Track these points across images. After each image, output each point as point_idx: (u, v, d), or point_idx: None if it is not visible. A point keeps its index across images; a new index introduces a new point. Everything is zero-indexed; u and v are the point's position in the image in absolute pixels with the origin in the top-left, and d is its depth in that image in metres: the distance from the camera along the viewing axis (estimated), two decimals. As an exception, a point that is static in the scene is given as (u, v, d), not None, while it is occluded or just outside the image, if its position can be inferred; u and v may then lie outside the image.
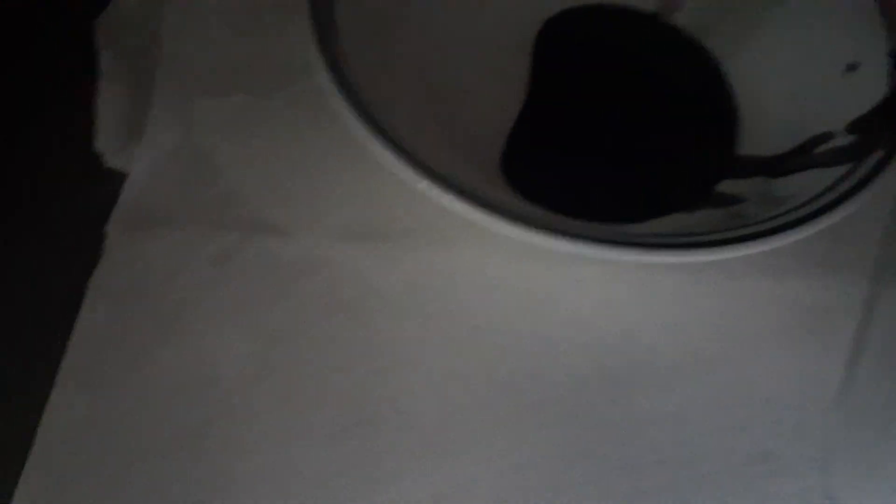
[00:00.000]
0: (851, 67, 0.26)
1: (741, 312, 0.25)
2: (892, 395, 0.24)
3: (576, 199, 0.27)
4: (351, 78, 0.24)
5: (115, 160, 0.27)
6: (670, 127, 0.29)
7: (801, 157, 0.26)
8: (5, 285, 0.25)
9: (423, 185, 0.22)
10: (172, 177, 0.27)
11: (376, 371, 0.24)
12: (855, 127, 0.25)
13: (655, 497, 0.22)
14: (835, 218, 0.22)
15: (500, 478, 0.23)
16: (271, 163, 0.28)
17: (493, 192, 0.25)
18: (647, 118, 0.29)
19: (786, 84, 0.28)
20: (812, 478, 0.23)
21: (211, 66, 0.29)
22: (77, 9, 0.30)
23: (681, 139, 0.29)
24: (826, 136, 0.26)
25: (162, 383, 0.23)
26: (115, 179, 0.27)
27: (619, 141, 0.29)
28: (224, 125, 0.28)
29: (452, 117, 0.28)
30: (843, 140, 0.25)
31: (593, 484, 0.23)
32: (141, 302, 0.25)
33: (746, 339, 0.25)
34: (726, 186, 0.27)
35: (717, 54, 0.30)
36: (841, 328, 0.25)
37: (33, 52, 0.30)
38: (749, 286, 0.26)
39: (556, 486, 0.23)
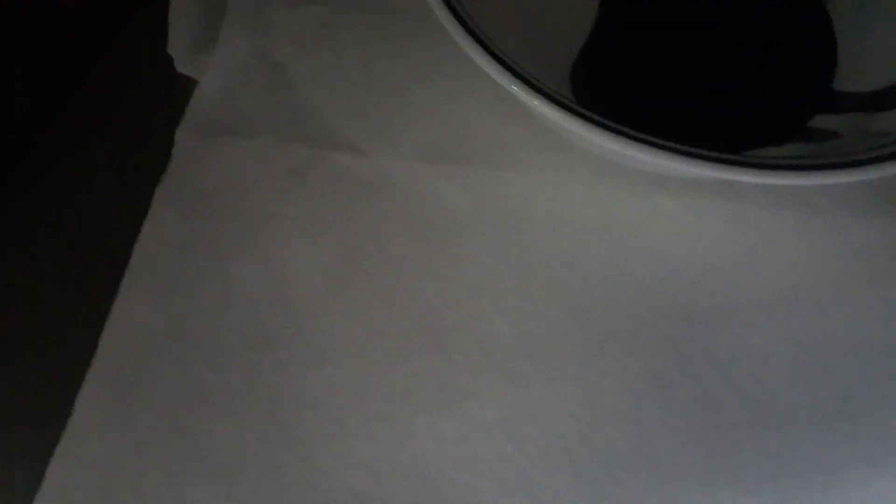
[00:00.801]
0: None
1: (828, 251, 0.24)
2: None
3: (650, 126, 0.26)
4: None
5: (186, 66, 0.27)
6: (762, 55, 0.28)
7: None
8: (72, 188, 0.25)
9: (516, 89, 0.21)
10: (245, 86, 0.27)
11: (448, 292, 0.24)
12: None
13: (733, 432, 0.22)
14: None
15: (571, 405, 0.22)
16: (348, 77, 0.27)
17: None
18: (736, 44, 0.28)
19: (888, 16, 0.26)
20: (892, 422, 0.22)
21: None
22: None
23: (773, 68, 0.27)
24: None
25: (232, 294, 0.23)
26: (187, 85, 0.26)
27: (702, 66, 0.28)
28: (300, 35, 0.28)
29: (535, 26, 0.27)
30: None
31: (666, 417, 0.22)
32: (209, 212, 0.24)
33: (832, 279, 0.24)
34: (821, 122, 0.26)
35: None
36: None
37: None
38: (836, 223, 0.25)
39: (629, 417, 0.22)
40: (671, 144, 0.20)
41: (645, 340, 0.23)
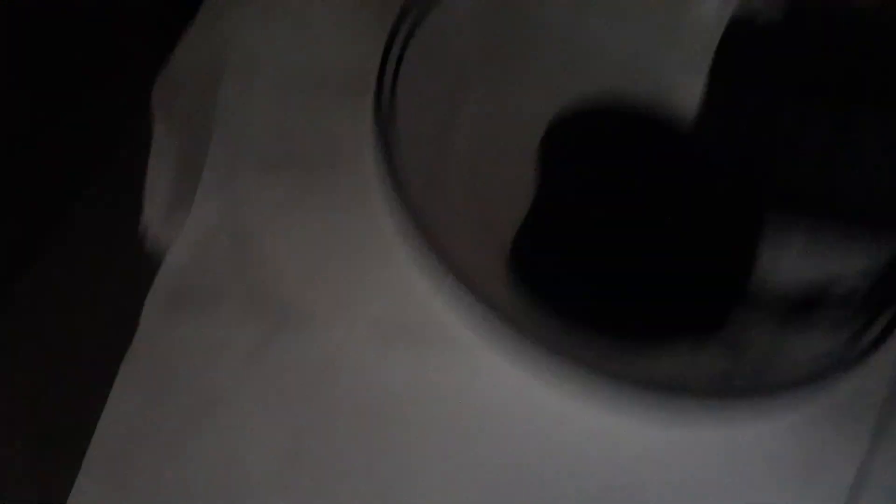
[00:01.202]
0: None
1: (738, 464, 0.26)
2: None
3: (583, 312, 0.28)
4: (400, 172, 0.26)
5: (160, 232, 0.28)
6: (685, 251, 0.30)
7: (807, 303, 0.27)
8: (38, 355, 0.26)
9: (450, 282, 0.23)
10: (212, 257, 0.28)
11: (395, 471, 0.25)
12: (861, 294, 0.26)
13: None
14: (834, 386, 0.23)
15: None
16: (310, 248, 0.29)
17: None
18: (658, 236, 0.30)
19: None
20: None
21: (262, 142, 0.30)
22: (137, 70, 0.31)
23: (697, 264, 0.30)
24: (831, 289, 0.27)
25: (192, 477, 0.25)
26: (158, 255, 0.28)
27: (623, 255, 0.30)
28: (269, 205, 0.29)
29: (484, 216, 0.29)
30: (849, 295, 0.26)
31: None
32: (170, 390, 0.26)
33: (744, 490, 0.26)
34: (735, 327, 0.28)
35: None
36: (836, 483, 0.26)
37: (85, 119, 0.30)
38: (748, 437, 0.26)
39: None
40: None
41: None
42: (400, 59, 0.28)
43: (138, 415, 0.25)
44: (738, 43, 0.28)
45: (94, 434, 0.25)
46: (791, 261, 0.29)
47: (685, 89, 0.31)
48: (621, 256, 0.29)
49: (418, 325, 0.27)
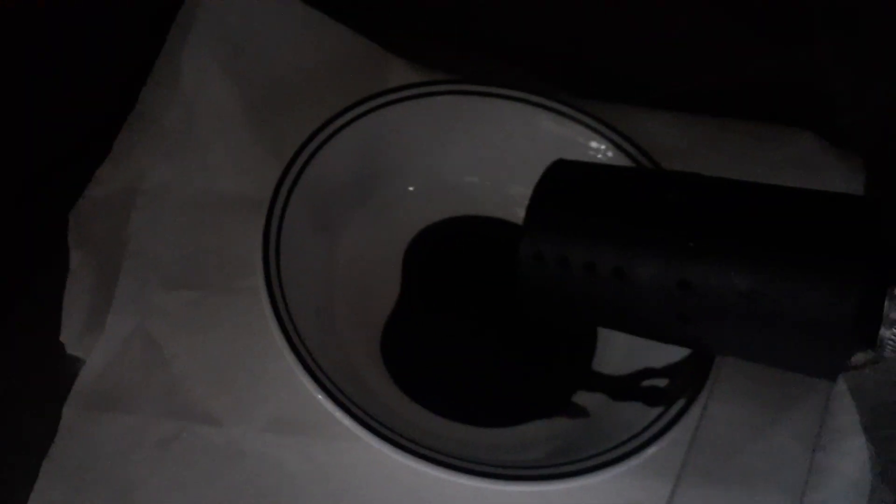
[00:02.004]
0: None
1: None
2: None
3: (445, 396, 0.34)
4: (282, 285, 0.31)
5: (75, 348, 0.32)
6: (532, 340, 0.37)
7: (630, 386, 0.34)
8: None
9: (320, 398, 0.29)
10: (126, 364, 0.32)
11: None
12: (668, 371, 0.33)
13: None
14: (647, 454, 0.29)
15: None
16: (211, 354, 0.33)
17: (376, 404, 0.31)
18: (515, 333, 0.37)
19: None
20: None
21: (170, 260, 0.35)
22: (51, 199, 0.35)
23: (543, 352, 0.36)
24: (650, 372, 0.34)
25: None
26: (76, 363, 0.32)
27: (485, 349, 0.36)
28: (173, 318, 0.34)
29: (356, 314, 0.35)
30: (660, 381, 0.33)
31: None
32: (88, 482, 0.29)
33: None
34: (580, 398, 0.35)
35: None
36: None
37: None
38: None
39: None
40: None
41: None
42: (291, 189, 0.33)
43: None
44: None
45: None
46: (618, 357, 0.36)
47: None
48: (477, 350, 0.36)
49: (305, 418, 0.32)
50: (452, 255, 0.39)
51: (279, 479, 0.31)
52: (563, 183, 0.32)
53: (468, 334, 0.36)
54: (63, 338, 0.32)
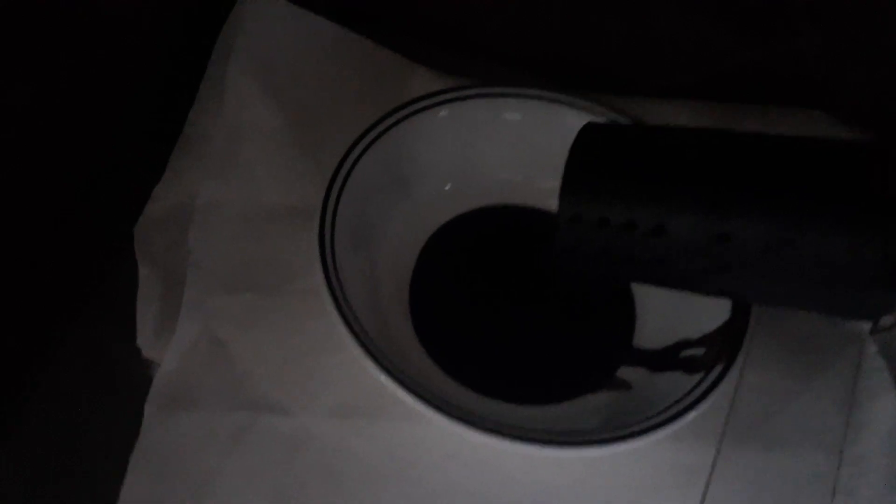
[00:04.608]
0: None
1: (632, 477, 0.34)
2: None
3: (493, 378, 0.36)
4: (340, 281, 0.33)
5: (151, 352, 0.35)
6: (576, 319, 0.39)
7: (669, 358, 0.36)
8: (63, 459, 0.32)
9: (391, 384, 0.31)
10: (196, 364, 0.35)
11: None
12: (704, 341, 0.35)
13: None
14: (689, 418, 0.31)
15: None
16: (274, 350, 0.36)
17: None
18: (555, 312, 0.39)
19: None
20: None
21: (227, 268, 0.37)
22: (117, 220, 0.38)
23: (585, 330, 0.38)
24: (687, 343, 0.36)
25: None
26: (152, 366, 0.34)
27: (528, 331, 0.38)
28: (236, 319, 0.36)
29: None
30: (697, 351, 0.35)
31: None
32: (171, 472, 0.32)
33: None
34: (622, 373, 0.37)
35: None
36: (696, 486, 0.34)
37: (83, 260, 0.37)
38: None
39: None
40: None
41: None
42: (338, 196, 0.36)
43: (150, 495, 0.31)
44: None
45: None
46: (656, 331, 0.38)
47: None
48: (521, 332, 0.38)
49: (368, 403, 0.34)
50: (489, 241, 0.41)
51: (347, 460, 0.33)
52: (596, 145, 0.33)
53: (511, 317, 0.38)
54: (139, 343, 0.35)
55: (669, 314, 0.37)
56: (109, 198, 0.39)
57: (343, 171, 0.37)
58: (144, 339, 0.35)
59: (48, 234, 0.36)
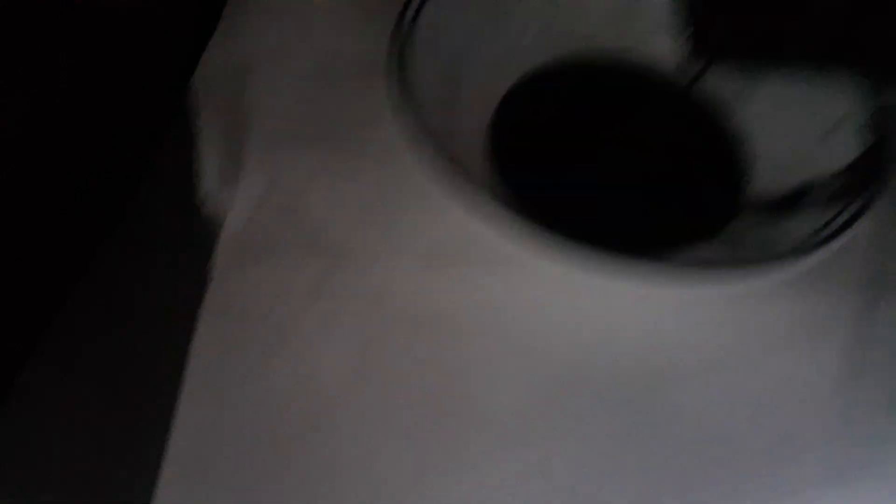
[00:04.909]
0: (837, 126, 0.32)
1: (750, 325, 0.30)
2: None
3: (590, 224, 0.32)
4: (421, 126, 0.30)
5: (216, 200, 0.32)
6: (686, 167, 0.35)
7: (797, 199, 0.31)
8: (132, 309, 0.29)
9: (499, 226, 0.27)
10: (266, 215, 0.32)
11: (450, 377, 0.29)
12: (839, 176, 0.31)
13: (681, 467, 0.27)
14: (833, 247, 0.27)
15: (565, 461, 0.27)
16: (348, 201, 0.32)
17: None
18: (663, 162, 0.35)
19: (785, 135, 0.33)
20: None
21: (293, 120, 0.34)
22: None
23: (697, 178, 0.34)
24: (810, 186, 0.31)
25: (274, 387, 0.28)
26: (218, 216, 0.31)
27: (636, 182, 0.34)
28: (308, 171, 0.33)
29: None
30: (830, 187, 0.31)
31: (640, 463, 0.27)
32: (246, 321, 0.29)
33: (755, 348, 0.30)
34: (739, 223, 0.32)
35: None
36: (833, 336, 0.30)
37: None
38: (754, 303, 0.31)
39: (619, 464, 0.27)
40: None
41: (613, 405, 0.28)
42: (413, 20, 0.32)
43: (223, 345, 0.28)
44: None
45: (188, 364, 0.28)
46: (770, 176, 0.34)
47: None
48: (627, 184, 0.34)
49: (452, 249, 0.31)
50: (581, 85, 0.37)
51: (433, 310, 0.30)
52: None
53: (614, 169, 0.34)
54: (203, 190, 0.32)
55: (787, 158, 0.33)
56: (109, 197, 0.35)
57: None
58: (209, 187, 0.32)
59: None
